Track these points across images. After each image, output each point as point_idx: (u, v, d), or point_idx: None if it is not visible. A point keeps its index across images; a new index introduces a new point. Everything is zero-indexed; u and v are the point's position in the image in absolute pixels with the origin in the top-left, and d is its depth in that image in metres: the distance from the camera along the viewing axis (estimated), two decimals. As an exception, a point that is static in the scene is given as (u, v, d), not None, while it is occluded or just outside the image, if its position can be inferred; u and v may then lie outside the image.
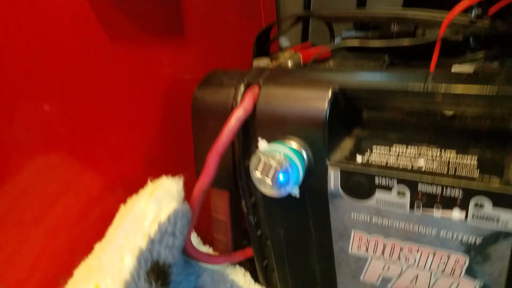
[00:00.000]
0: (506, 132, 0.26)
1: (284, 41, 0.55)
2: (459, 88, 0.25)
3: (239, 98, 0.31)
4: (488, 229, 0.25)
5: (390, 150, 0.29)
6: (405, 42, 0.34)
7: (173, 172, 0.35)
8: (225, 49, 0.47)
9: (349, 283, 0.34)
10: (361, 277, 0.33)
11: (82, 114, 0.33)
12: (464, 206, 0.25)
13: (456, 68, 0.36)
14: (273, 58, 0.42)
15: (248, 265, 0.42)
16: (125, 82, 0.36)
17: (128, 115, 0.36)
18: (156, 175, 0.34)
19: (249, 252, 0.41)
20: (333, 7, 0.51)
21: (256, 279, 0.42)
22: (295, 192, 0.30)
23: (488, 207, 0.25)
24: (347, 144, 0.31)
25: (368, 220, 0.30)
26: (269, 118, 0.30)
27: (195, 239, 0.40)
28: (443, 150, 0.28)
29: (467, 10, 0.35)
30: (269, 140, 0.30)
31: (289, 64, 0.40)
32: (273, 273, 0.40)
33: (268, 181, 0.28)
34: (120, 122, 0.36)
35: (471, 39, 0.39)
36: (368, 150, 0.29)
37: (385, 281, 0.32)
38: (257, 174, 0.28)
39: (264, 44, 0.45)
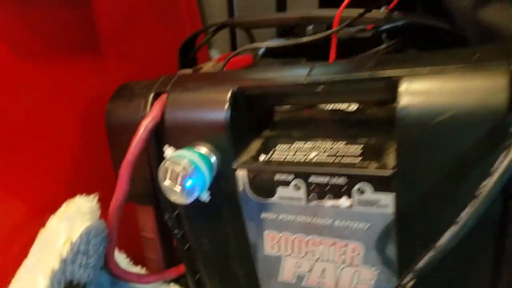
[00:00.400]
0: (388, 118, 0.29)
1: (214, 54, 0.59)
2: (336, 77, 0.28)
3: (148, 107, 0.33)
4: (373, 214, 0.28)
5: (291, 147, 0.32)
6: (304, 39, 0.38)
7: (97, 190, 0.36)
8: (148, 63, 0.50)
9: (270, 285, 0.35)
10: (279, 277, 0.34)
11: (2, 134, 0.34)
12: (349, 193, 0.28)
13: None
14: (196, 70, 0.45)
15: (184, 281, 0.43)
16: (39, 104, 0.37)
17: (46, 136, 0.37)
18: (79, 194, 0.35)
19: (182, 268, 0.41)
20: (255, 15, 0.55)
21: (191, 295, 0.42)
22: (204, 197, 0.31)
23: (369, 192, 0.27)
24: (255, 145, 0.33)
25: (276, 217, 0.32)
26: (177, 125, 0.32)
27: (123, 260, 0.40)
28: (334, 142, 0.31)
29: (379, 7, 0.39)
30: (180, 147, 0.32)
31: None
32: (205, 287, 0.41)
33: (177, 188, 0.30)
34: (37, 144, 0.37)
35: (383, 36, 0.43)
36: (273, 149, 0.32)
37: (300, 278, 0.33)
38: (165, 183, 0.30)
39: (188, 55, 0.48)
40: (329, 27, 0.37)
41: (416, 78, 0.24)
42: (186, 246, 0.38)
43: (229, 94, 0.30)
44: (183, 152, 0.30)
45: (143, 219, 0.39)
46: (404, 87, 0.24)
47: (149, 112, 0.32)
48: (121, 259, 0.40)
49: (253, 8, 0.57)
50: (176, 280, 0.42)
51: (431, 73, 0.24)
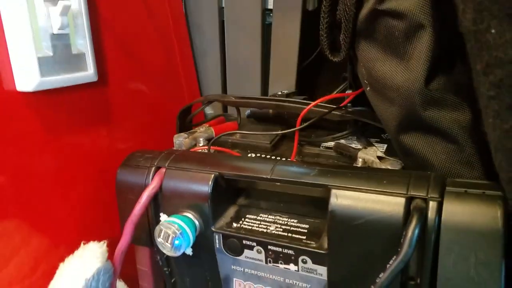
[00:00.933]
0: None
1: (208, 110, 0.69)
2: (288, 176, 0.37)
3: (150, 178, 0.42)
4: (312, 278, 0.37)
5: (256, 219, 0.41)
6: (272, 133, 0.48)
7: (106, 235, 0.46)
8: (152, 128, 0.60)
9: (237, 318, 0.45)
10: (244, 313, 0.44)
11: (32, 187, 0.43)
12: (296, 262, 0.37)
13: (324, 144, 0.50)
14: (190, 134, 0.54)
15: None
16: (63, 165, 0.47)
17: (69, 191, 0.47)
18: (89, 238, 0.45)
19: (168, 297, 0.50)
20: (243, 91, 0.65)
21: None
22: (189, 251, 0.41)
23: (309, 263, 0.37)
24: (230, 212, 0.42)
25: (243, 270, 0.41)
26: (171, 195, 0.41)
27: (123, 286, 0.50)
28: (289, 218, 0.40)
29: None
30: (173, 211, 0.41)
31: (201, 140, 0.52)
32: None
33: (167, 245, 0.39)
34: (61, 197, 0.46)
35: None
36: (243, 218, 0.41)
37: (260, 316, 0.43)
38: (159, 240, 0.39)
39: (185, 120, 0.57)
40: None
41: (342, 191, 0.34)
42: (172, 280, 0.47)
43: (211, 177, 0.39)
44: (174, 219, 0.39)
45: (140, 255, 0.48)
46: (333, 195, 0.34)
47: (151, 182, 0.41)
48: (121, 285, 0.50)
49: (242, 81, 0.66)
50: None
51: (353, 189, 0.33)
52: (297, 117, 0.49)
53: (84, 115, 0.50)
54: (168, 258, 0.46)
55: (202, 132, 0.55)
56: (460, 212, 0.30)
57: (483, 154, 0.35)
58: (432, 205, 0.31)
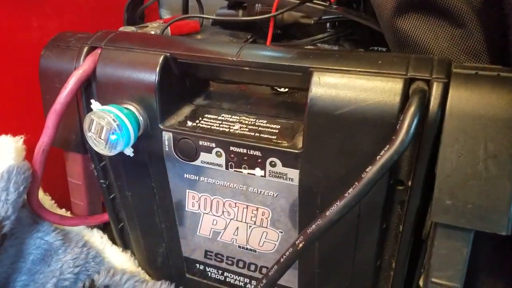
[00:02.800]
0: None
1: (164, 13, 0.58)
2: (259, 59, 0.30)
3: (82, 60, 0.33)
4: (281, 185, 0.31)
5: (218, 118, 0.33)
6: (244, 19, 0.39)
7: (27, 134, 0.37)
8: (91, 16, 0.48)
9: (189, 238, 0.38)
10: (197, 232, 0.37)
11: None
12: (263, 165, 0.31)
13: None
14: (140, 28, 0.44)
15: (107, 228, 0.45)
16: None
17: None
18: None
19: (106, 216, 0.43)
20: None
21: (114, 241, 0.44)
22: (129, 152, 0.33)
23: (279, 166, 0.30)
24: (185, 111, 0.35)
25: (197, 179, 0.34)
26: (107, 81, 0.32)
27: (48, 201, 0.41)
28: (257, 118, 0.33)
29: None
30: (109, 103, 0.33)
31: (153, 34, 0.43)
32: (129, 235, 0.43)
33: (101, 140, 0.31)
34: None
35: (328, 24, 0.45)
36: (200, 117, 0.34)
37: (215, 233, 0.37)
38: (90, 134, 0.31)
39: (135, 12, 0.47)
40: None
41: (327, 73, 0.27)
42: (111, 196, 0.40)
43: (161, 59, 0.31)
44: (110, 107, 0.31)
45: (71, 165, 0.40)
46: (315, 79, 0.27)
47: (81, 65, 0.32)
48: (46, 200, 0.41)
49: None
50: (100, 227, 0.45)
51: (340, 71, 0.27)
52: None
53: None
54: (105, 167, 0.38)
55: (155, 28, 0.45)
56: (469, 95, 0.24)
57: (492, 43, 0.29)
58: (437, 87, 0.25)
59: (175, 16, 0.56)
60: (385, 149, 0.24)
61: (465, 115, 0.24)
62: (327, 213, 0.26)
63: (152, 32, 0.43)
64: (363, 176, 0.25)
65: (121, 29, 0.43)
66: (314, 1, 0.42)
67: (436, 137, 0.25)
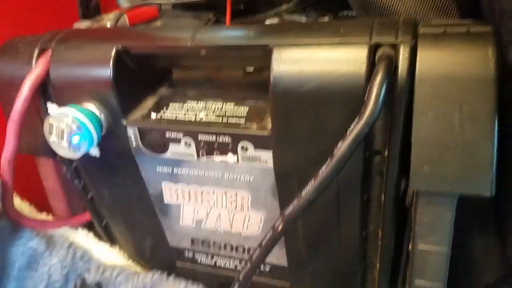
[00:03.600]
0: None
1: (123, 2, 0.54)
2: (217, 43, 0.28)
3: (33, 64, 0.31)
4: (256, 168, 0.30)
5: (183, 107, 0.32)
6: None
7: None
8: (45, 10, 0.45)
9: (174, 229, 0.38)
10: (180, 222, 0.37)
11: None
12: (234, 151, 0.29)
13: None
14: (96, 21, 0.42)
15: (94, 226, 0.44)
16: None
17: None
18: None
19: (88, 215, 0.42)
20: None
21: (101, 238, 0.44)
22: (95, 152, 0.31)
23: (251, 149, 0.29)
24: (148, 103, 0.33)
25: (171, 171, 0.33)
26: (62, 82, 0.30)
27: (27, 207, 0.40)
28: (224, 102, 0.31)
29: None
30: (67, 104, 0.31)
31: (109, 26, 0.40)
32: (114, 231, 0.42)
33: (64, 144, 0.29)
34: None
35: None
36: (165, 107, 0.32)
37: (198, 222, 0.36)
38: (52, 139, 0.29)
39: (89, 3, 0.44)
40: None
41: (287, 48, 0.25)
42: (89, 196, 0.39)
43: (112, 53, 0.29)
44: (67, 109, 0.29)
45: (43, 170, 0.39)
46: (276, 56, 0.25)
47: (33, 69, 0.30)
48: (25, 207, 0.40)
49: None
50: (86, 225, 0.44)
51: (301, 44, 0.25)
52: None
53: None
54: (77, 168, 0.37)
55: (112, 19, 0.42)
56: (439, 56, 0.23)
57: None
58: (403, 51, 0.23)
59: (134, 5, 0.53)
60: (355, 122, 0.23)
61: (437, 78, 0.23)
62: (303, 194, 0.25)
63: (109, 24, 0.40)
64: (334, 153, 0.23)
65: (76, 23, 0.40)
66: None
67: (408, 104, 0.24)
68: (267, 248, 0.28)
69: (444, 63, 0.23)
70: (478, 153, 0.23)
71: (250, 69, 0.35)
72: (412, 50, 0.23)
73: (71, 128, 0.28)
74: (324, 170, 0.24)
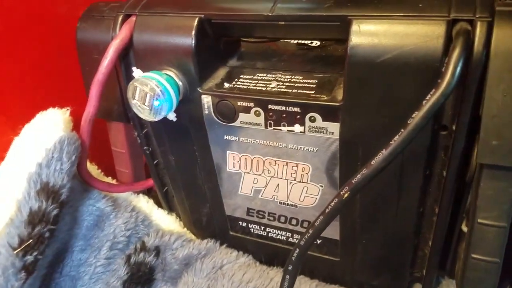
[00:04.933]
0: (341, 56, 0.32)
1: None
2: (297, 14, 0.29)
3: (118, 29, 0.34)
4: (321, 139, 0.32)
5: (253, 77, 0.34)
6: None
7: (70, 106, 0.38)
8: None
9: (231, 197, 0.40)
10: (239, 191, 0.39)
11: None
12: (302, 121, 0.31)
13: None
14: None
15: (152, 193, 0.47)
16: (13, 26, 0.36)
17: (21, 54, 0.37)
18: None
19: (151, 181, 0.45)
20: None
21: (160, 205, 0.47)
22: (172, 116, 0.34)
23: (319, 120, 0.31)
24: (220, 73, 0.35)
25: (237, 140, 0.35)
26: (145, 48, 0.33)
27: (95, 170, 0.44)
28: (293, 75, 0.33)
29: None
30: (148, 69, 0.33)
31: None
32: (173, 199, 0.45)
33: (145, 107, 0.32)
34: (13, 60, 0.37)
35: None
36: (236, 78, 0.34)
37: (256, 191, 0.38)
38: (134, 102, 0.32)
39: None
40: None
41: (366, 20, 0.26)
42: (155, 162, 0.41)
43: (195, 22, 0.31)
44: (152, 74, 0.32)
45: (114, 134, 0.42)
46: (355, 27, 0.26)
47: (118, 34, 0.33)
48: (93, 169, 0.43)
49: None
50: (145, 192, 0.47)
51: (380, 17, 0.26)
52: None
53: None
54: (147, 134, 0.39)
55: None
56: (517, 32, 0.24)
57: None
58: (481, 26, 0.24)
59: None
60: (431, 93, 0.24)
61: (510, 54, 0.24)
62: (373, 162, 0.26)
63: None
64: (409, 122, 0.25)
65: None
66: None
67: (481, 79, 0.25)
68: (330, 215, 0.29)
69: (520, 40, 0.24)
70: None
71: (314, 43, 0.36)
72: (488, 26, 0.24)
73: (154, 92, 0.31)
74: (396, 139, 0.25)
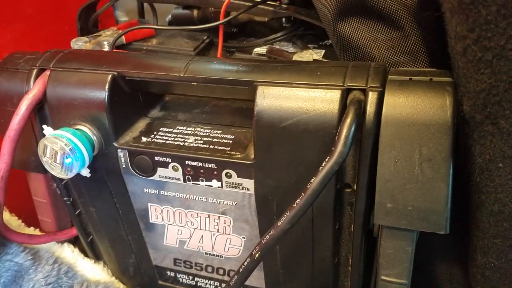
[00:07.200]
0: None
1: (120, 15, 0.57)
2: (206, 74, 0.30)
3: (31, 83, 0.33)
4: (238, 194, 0.32)
5: (172, 132, 0.34)
6: (195, 27, 0.40)
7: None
8: (45, 27, 0.47)
9: (157, 248, 0.39)
10: (164, 242, 0.38)
11: None
12: (219, 177, 0.32)
13: (256, 51, 0.43)
14: (93, 38, 0.44)
15: (79, 241, 0.45)
16: None
17: None
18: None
19: (74, 230, 0.43)
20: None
21: (86, 253, 0.45)
22: (85, 172, 0.33)
23: (234, 177, 0.31)
24: (140, 125, 0.35)
25: (157, 193, 0.35)
26: (59, 103, 0.32)
27: (15, 221, 0.42)
28: (212, 129, 0.33)
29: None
30: (62, 124, 0.33)
31: (106, 44, 0.43)
32: (99, 247, 0.44)
33: (56, 164, 0.31)
34: None
35: (284, 19, 0.45)
36: (155, 131, 0.34)
37: (182, 243, 0.38)
38: (45, 159, 0.31)
39: (88, 20, 0.46)
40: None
41: (270, 86, 0.27)
42: (77, 212, 0.40)
43: (109, 78, 0.31)
44: (61, 132, 0.31)
45: (34, 184, 0.40)
46: (260, 92, 0.27)
47: (31, 88, 0.32)
48: (13, 221, 0.41)
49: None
50: (71, 240, 0.45)
51: (283, 84, 0.27)
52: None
53: None
54: (67, 185, 0.38)
55: (109, 36, 0.45)
56: (403, 102, 0.25)
57: (429, 44, 0.30)
58: (372, 96, 0.26)
59: (131, 20, 0.56)
60: (326, 160, 0.25)
61: (400, 122, 0.25)
62: (279, 224, 0.27)
63: (105, 42, 0.43)
64: (308, 187, 0.26)
65: (74, 40, 0.43)
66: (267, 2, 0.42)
67: (375, 144, 0.26)
68: (245, 274, 0.29)
69: (407, 109, 0.25)
70: (435, 193, 0.25)
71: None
72: (379, 95, 0.26)
73: (64, 151, 0.30)
74: (298, 203, 0.26)
